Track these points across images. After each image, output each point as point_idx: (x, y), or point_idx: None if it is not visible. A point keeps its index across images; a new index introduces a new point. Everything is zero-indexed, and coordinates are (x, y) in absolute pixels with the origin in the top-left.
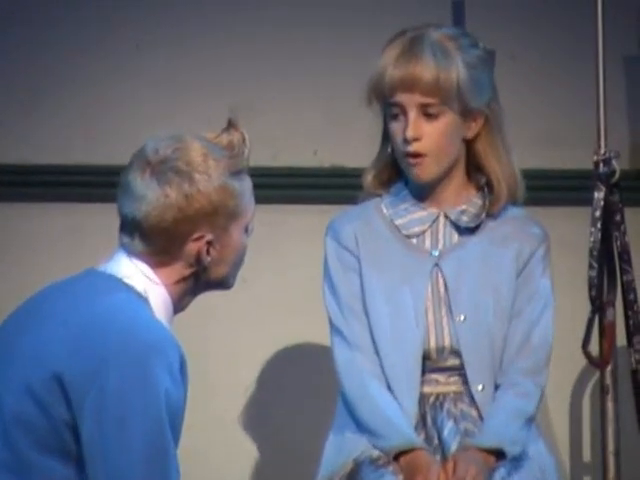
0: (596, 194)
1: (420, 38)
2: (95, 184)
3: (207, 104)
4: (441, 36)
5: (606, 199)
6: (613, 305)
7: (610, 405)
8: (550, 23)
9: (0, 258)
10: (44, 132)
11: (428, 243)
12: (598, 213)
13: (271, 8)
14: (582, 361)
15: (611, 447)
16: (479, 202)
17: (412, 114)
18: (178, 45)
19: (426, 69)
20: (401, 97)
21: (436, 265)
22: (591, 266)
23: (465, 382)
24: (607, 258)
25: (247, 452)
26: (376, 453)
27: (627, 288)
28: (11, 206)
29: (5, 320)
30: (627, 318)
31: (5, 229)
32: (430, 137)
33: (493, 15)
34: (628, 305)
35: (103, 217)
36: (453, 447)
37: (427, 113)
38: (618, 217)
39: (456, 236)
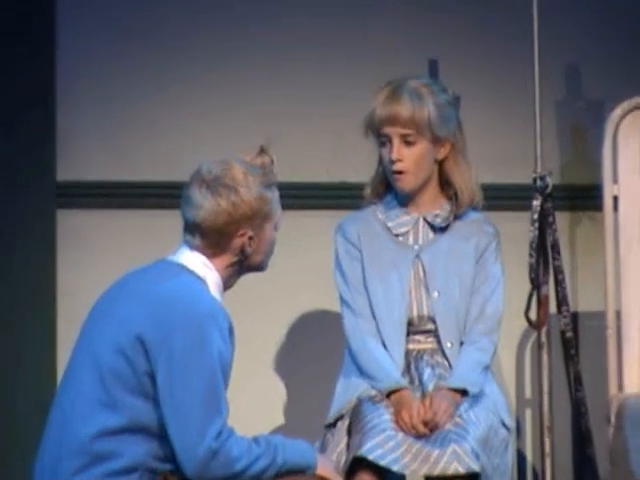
0: (534, 202)
1: (401, 86)
2: (161, 196)
3: (243, 131)
4: (418, 84)
5: (542, 206)
6: (547, 283)
7: (545, 356)
8: (501, 79)
9: (90, 252)
10: (121, 154)
11: (411, 239)
12: (536, 216)
13: (292, 54)
14: (524, 325)
15: (545, 388)
16: (448, 208)
17: (395, 142)
18: (224, 85)
19: (404, 109)
20: (387, 129)
21: (417, 256)
22: (531, 255)
23: (438, 341)
24: (542, 249)
25: (278, 392)
26: (373, 392)
27: (557, 271)
28: (98, 212)
29: (99, 298)
30: (557, 293)
31: (94, 230)
32: (409, 159)
33: (462, 69)
34: (558, 283)
35: (168, 221)
36: (430, 387)
37: (406, 141)
38: (550, 219)
39: (431, 234)
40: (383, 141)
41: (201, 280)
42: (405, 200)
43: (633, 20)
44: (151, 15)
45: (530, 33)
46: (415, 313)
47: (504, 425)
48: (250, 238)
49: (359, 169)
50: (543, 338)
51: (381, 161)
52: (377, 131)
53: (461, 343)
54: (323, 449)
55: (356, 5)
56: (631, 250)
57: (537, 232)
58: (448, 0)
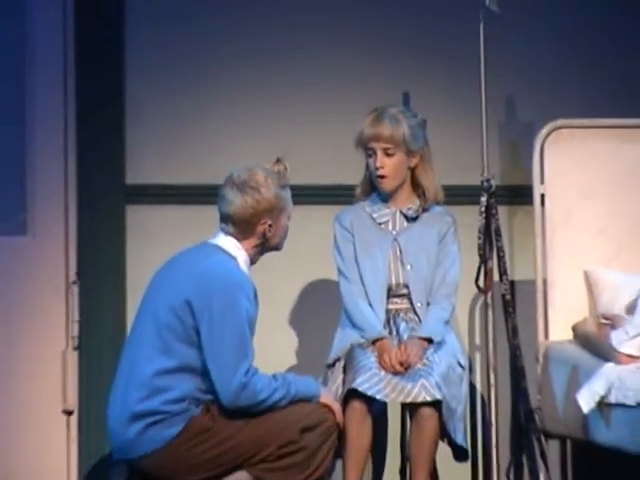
0: (482, 199)
1: (383, 112)
2: (204, 195)
3: (266, 145)
4: (396, 111)
5: (487, 201)
6: (491, 259)
7: (490, 313)
8: (456, 106)
9: (151, 239)
10: (177, 162)
11: (390, 227)
12: (483, 209)
13: (302, 91)
14: (474, 290)
15: (491, 336)
16: (418, 203)
17: (379, 154)
18: (252, 111)
19: (385, 129)
20: (372, 144)
21: (395, 239)
22: (479, 238)
23: (411, 302)
24: (488, 233)
25: (291, 340)
26: (362, 340)
27: (499, 250)
28: (158, 208)
29: (156, 272)
30: (499, 266)
31: (155, 222)
32: (389, 167)
33: (427, 99)
34: (499, 259)
35: (210, 214)
36: (404, 337)
37: (387, 153)
38: (494, 211)
39: (405, 222)
40: (369, 153)
41: (232, 258)
42: (386, 197)
43: (559, 60)
44: (205, 43)
45: (478, 71)
46: (393, 281)
47: (460, 364)
48: (269, 226)
49: (351, 174)
50: (489, 300)
51: (368, 168)
52: (365, 146)
53: (428, 304)
54: (325, 383)
55: (350, 53)
56: (554, 234)
57: (484, 221)
58: (416, 51)
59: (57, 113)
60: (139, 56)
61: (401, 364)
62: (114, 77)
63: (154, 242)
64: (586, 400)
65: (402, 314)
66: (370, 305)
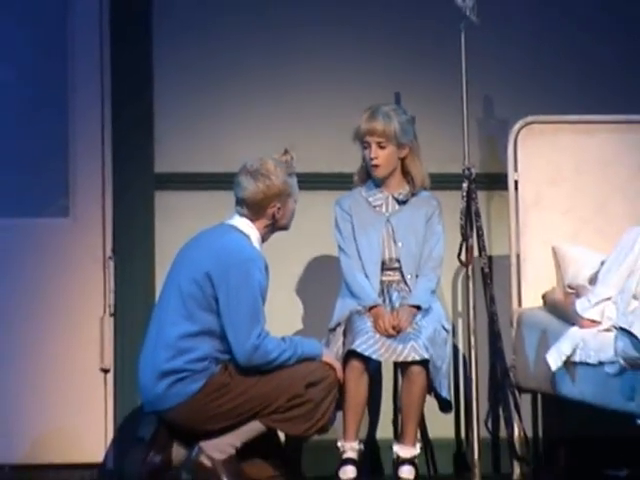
0: (463, 185)
1: (377, 110)
2: (223, 182)
3: (275, 140)
4: (388, 109)
5: (468, 187)
6: (472, 237)
7: (470, 284)
8: (441, 104)
9: (176, 220)
10: (201, 152)
11: (384, 209)
12: (464, 194)
13: (309, 90)
14: (457, 264)
15: (471, 304)
16: (408, 189)
17: (373, 147)
18: (263, 99)
19: (379, 125)
20: (368, 138)
21: (387, 220)
22: (461, 219)
23: (402, 275)
24: (469, 215)
25: (298, 308)
26: (360, 308)
27: (478, 229)
28: (183, 193)
29: (180, 249)
30: (479, 243)
31: (179, 204)
32: (382, 157)
33: (416, 99)
34: (479, 237)
35: (225, 199)
36: (397, 305)
37: (380, 146)
38: (474, 195)
39: (397, 206)
40: (365, 146)
41: (246, 236)
42: (380, 183)
43: (531, 63)
44: (225, 46)
45: (460, 74)
46: (387, 256)
47: (444, 328)
48: (278, 208)
49: (350, 164)
50: (469, 272)
51: (364, 159)
52: (361, 139)
53: (416, 276)
54: (327, 345)
55: (350, 57)
56: (526, 215)
57: (465, 204)
58: (406, 56)
59: (95, 109)
60: (166, 57)
61: (393, 328)
62: (144, 76)
63: (178, 223)
64: (554, 359)
65: (394, 285)
66: (366, 277)
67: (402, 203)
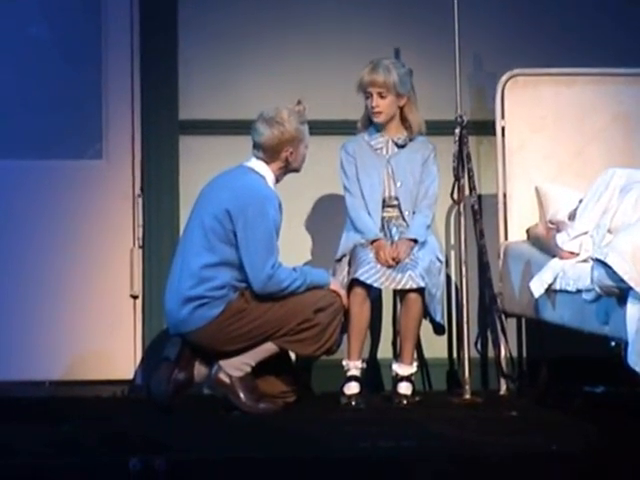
0: (456, 130)
1: (378, 64)
2: (240, 127)
3: (290, 86)
4: (388, 62)
5: (460, 132)
6: (463, 177)
7: (462, 220)
8: (435, 58)
9: (198, 164)
10: (219, 101)
11: (384, 152)
12: (457, 138)
13: (319, 51)
14: (450, 201)
15: (462, 238)
16: (406, 134)
17: (375, 96)
18: (277, 54)
19: (380, 76)
20: (370, 89)
21: (388, 161)
22: (454, 161)
23: (400, 211)
24: (460, 158)
25: (307, 241)
26: (363, 241)
27: (469, 170)
28: (203, 137)
29: (203, 188)
30: (469, 183)
31: (203, 148)
32: (382, 106)
33: (413, 53)
34: (470, 178)
35: (243, 143)
36: (396, 238)
37: (381, 96)
38: (465, 140)
39: (396, 149)
40: (367, 96)
41: (262, 177)
42: (380, 129)
43: (518, 20)
44: (243, 7)
45: (452, 31)
46: (387, 194)
47: (438, 260)
48: (291, 153)
49: (354, 112)
50: (461, 209)
51: (366, 107)
52: (364, 90)
53: (414, 212)
54: (333, 274)
55: (355, 16)
56: (512, 159)
57: (457, 148)
58: (405, 13)
59: (125, 63)
60: (191, 16)
61: (393, 259)
62: (171, 33)
63: (201, 165)
64: (537, 287)
65: (394, 220)
66: (369, 214)
67: (401, 147)
